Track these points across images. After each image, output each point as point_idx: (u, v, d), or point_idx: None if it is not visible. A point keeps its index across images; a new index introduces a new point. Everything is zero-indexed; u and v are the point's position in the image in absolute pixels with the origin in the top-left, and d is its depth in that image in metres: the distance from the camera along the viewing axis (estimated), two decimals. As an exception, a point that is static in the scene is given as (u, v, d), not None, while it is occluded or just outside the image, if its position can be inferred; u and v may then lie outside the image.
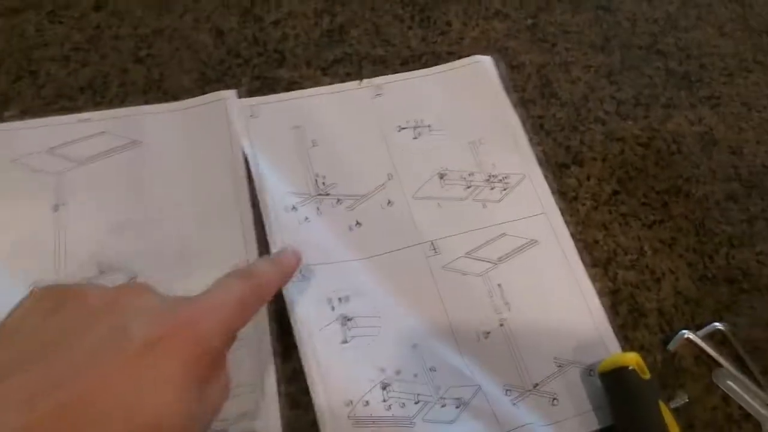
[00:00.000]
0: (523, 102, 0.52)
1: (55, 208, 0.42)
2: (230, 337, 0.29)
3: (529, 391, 0.39)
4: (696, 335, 0.42)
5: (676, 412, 0.38)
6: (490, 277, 0.43)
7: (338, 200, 0.45)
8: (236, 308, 0.30)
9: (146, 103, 0.47)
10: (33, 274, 0.39)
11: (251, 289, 0.31)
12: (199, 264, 0.41)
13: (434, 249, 0.44)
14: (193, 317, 0.27)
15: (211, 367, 0.27)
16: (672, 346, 0.42)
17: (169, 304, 0.28)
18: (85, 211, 0.42)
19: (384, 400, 0.37)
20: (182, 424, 0.25)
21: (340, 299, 0.40)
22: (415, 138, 0.48)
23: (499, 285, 0.43)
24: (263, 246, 0.42)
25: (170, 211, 0.43)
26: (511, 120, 0.50)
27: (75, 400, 0.23)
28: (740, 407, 0.40)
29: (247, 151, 0.45)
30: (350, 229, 0.44)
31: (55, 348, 0.24)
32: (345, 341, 0.39)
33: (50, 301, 0.27)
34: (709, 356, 0.42)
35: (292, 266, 0.37)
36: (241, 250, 0.42)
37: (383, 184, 0.46)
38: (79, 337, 0.25)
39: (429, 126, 0.49)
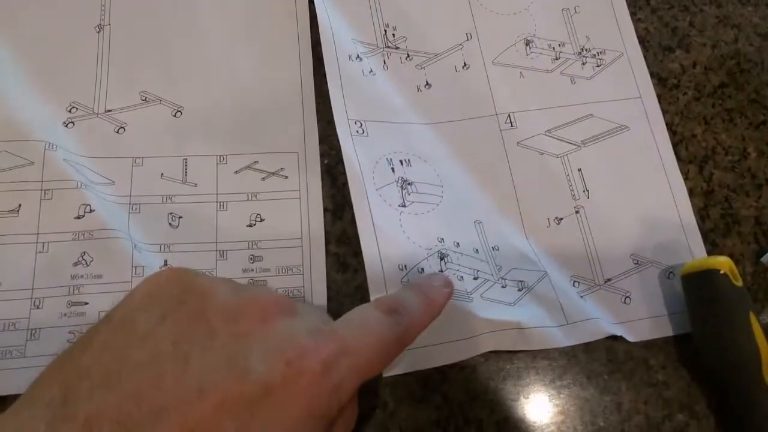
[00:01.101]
0: (628, -29, 0.44)
1: (99, 28, 0.38)
2: (357, 388, 0.25)
3: (600, 285, 0.35)
4: (795, 251, 0.37)
5: (763, 327, 0.34)
6: (570, 159, 0.38)
7: (408, 56, 0.39)
8: (377, 353, 0.25)
9: None
10: (70, 96, 0.36)
11: (397, 332, 0.26)
12: (248, 104, 0.37)
13: (510, 122, 0.39)
14: (326, 357, 0.22)
15: (330, 418, 0.23)
16: (766, 259, 0.37)
17: (300, 333, 0.23)
18: (130, 36, 0.38)
19: (441, 270, 0.33)
20: None
21: (401, 162, 0.36)
22: (501, -4, 0.42)
23: (580, 170, 0.38)
24: (320, 91, 0.37)
25: (223, 46, 0.38)
26: (613, -10, 0.43)
27: None
28: (834, 333, 0.36)
29: (312, -13, 0.40)
30: (418, 89, 0.39)
31: (160, 367, 0.21)
32: (403, 205, 0.35)
33: (175, 289, 0.23)
34: (806, 275, 0.37)
35: (442, 301, 0.30)
36: (296, 93, 0.37)
37: (460, 44, 0.40)
38: (190, 358, 0.21)
39: (519, -16, 0.42)
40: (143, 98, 0.36)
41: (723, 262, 0.33)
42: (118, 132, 0.36)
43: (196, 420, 0.20)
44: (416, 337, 0.27)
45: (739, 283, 0.33)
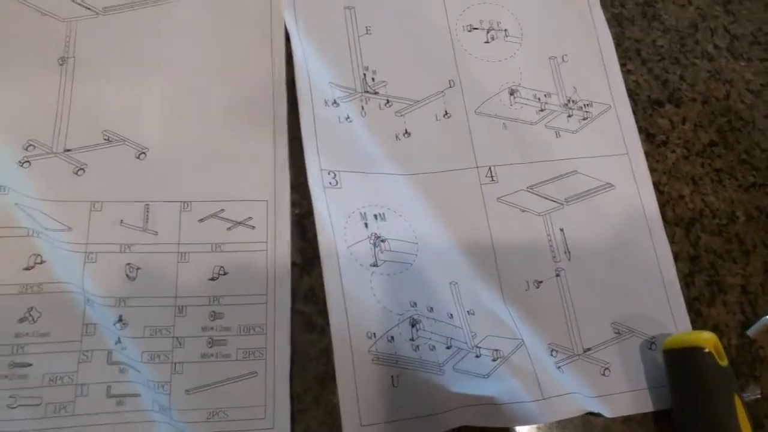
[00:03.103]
0: (619, 20, 0.43)
1: (62, 61, 0.36)
2: None
3: (579, 355, 0.34)
4: (782, 323, 0.36)
5: (746, 406, 0.32)
6: (552, 218, 0.37)
7: (387, 102, 0.38)
8: None
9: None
10: (28, 132, 0.34)
11: None
12: (217, 147, 0.35)
13: (491, 176, 0.37)
14: None
15: None
16: (752, 332, 0.35)
17: None
18: (95, 69, 0.36)
19: (412, 339, 0.32)
20: None
21: (375, 216, 0.34)
22: (487, 42, 0.41)
23: (562, 229, 0.36)
24: (294, 135, 0.36)
25: (194, 85, 0.36)
26: (603, 39, 0.42)
27: None
28: (820, 413, 0.34)
29: (290, 26, 0.38)
30: (397, 137, 0.37)
31: None
32: (375, 264, 0.33)
33: None
34: (793, 349, 0.35)
35: None
36: (269, 137, 0.35)
37: (442, 92, 0.39)
38: None
39: (505, 30, 0.41)
40: (106, 138, 0.34)
41: (707, 339, 0.31)
42: (77, 173, 0.34)
43: None
44: None
45: (724, 362, 0.31)
